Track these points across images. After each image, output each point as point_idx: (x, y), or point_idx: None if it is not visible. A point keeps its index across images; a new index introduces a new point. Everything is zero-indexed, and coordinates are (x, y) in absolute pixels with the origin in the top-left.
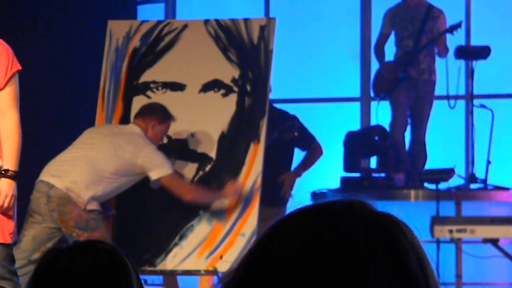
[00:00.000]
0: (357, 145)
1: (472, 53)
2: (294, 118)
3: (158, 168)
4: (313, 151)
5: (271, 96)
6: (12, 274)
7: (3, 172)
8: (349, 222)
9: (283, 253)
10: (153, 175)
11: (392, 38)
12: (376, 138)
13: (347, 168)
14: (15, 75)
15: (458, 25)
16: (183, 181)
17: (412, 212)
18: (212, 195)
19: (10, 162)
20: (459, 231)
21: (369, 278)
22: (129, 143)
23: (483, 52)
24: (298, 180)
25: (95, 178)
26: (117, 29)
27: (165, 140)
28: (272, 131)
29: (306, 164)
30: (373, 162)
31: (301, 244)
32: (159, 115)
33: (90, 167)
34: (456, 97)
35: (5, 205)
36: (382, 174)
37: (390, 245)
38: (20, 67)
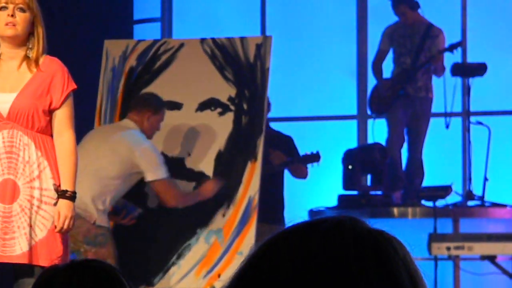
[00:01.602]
0: (357, 163)
1: (468, 70)
2: (290, 139)
3: (154, 170)
4: (301, 170)
5: (270, 114)
6: None
7: (61, 193)
8: (339, 240)
9: (273, 272)
10: (148, 176)
11: (390, 55)
12: (377, 156)
13: (346, 186)
14: (71, 95)
15: (459, 44)
16: (172, 186)
17: (409, 230)
18: (194, 197)
19: (68, 183)
20: (456, 248)
21: None
22: (124, 139)
23: (479, 69)
24: (293, 197)
25: (100, 189)
26: (113, 48)
27: None
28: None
29: (294, 169)
30: (369, 180)
31: (291, 263)
32: (152, 105)
33: (94, 179)
34: (453, 114)
35: (65, 227)
36: (379, 192)
37: (381, 262)
38: (75, 86)
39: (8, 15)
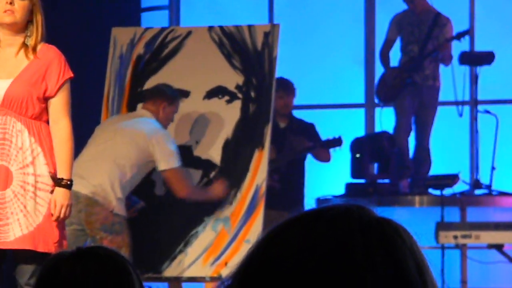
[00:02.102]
0: (365, 151)
1: (476, 59)
2: (312, 126)
3: (167, 159)
4: (323, 153)
5: (296, 102)
6: None
7: (57, 181)
8: (346, 227)
9: (280, 259)
10: (161, 166)
11: (397, 44)
12: (384, 144)
13: (354, 175)
14: (67, 82)
15: (466, 32)
16: (184, 177)
17: (416, 218)
18: (204, 194)
19: (64, 171)
20: (464, 236)
21: (366, 284)
22: (141, 128)
23: (487, 57)
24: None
25: (120, 177)
26: (121, 36)
27: None
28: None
29: (317, 153)
30: (376, 168)
31: (297, 250)
32: (168, 96)
33: (114, 166)
34: (461, 103)
35: (61, 215)
36: (387, 180)
37: (387, 251)
38: (72, 74)
39: (7, 2)
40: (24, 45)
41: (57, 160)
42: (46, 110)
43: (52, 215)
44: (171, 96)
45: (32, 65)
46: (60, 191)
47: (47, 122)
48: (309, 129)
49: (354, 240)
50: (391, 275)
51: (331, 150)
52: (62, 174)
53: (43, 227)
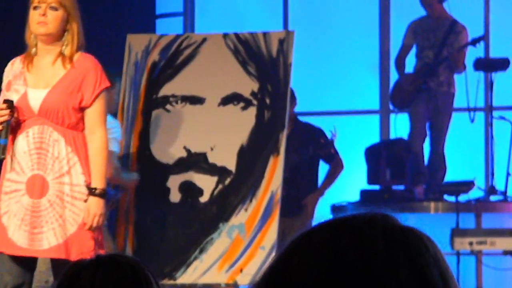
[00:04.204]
0: (382, 157)
1: (491, 65)
2: (321, 131)
3: None
4: (336, 166)
5: (297, 109)
6: None
7: (91, 190)
8: (370, 236)
9: (303, 269)
10: None
11: (413, 50)
12: (400, 150)
13: (371, 181)
14: (103, 92)
15: (481, 38)
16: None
17: (432, 225)
18: (124, 179)
19: (98, 180)
20: (479, 243)
21: None
22: None
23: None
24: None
25: None
26: (136, 43)
27: (185, 154)
28: (305, 146)
29: (329, 181)
30: (391, 174)
31: (321, 260)
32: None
33: None
34: (475, 109)
35: (94, 224)
36: (402, 187)
37: (411, 260)
38: (108, 84)
39: (40, 14)
40: (61, 54)
41: (92, 170)
42: (82, 119)
43: (85, 224)
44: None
45: (69, 75)
46: (93, 200)
47: (83, 131)
48: (315, 134)
49: (378, 248)
50: (415, 283)
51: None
52: (96, 183)
53: (77, 236)
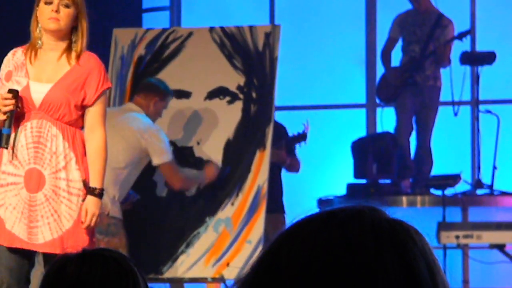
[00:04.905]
0: (368, 151)
1: (477, 59)
2: (284, 128)
3: (160, 155)
4: (294, 163)
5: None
6: None
7: (90, 190)
8: (358, 229)
9: (291, 262)
10: (155, 160)
11: (399, 44)
12: (386, 144)
13: (357, 175)
14: (105, 92)
15: (467, 32)
16: (176, 170)
17: (418, 218)
18: (197, 181)
19: (97, 180)
20: (465, 236)
21: (377, 286)
22: (131, 124)
23: (489, 57)
24: (302, 186)
25: (113, 179)
26: (122, 37)
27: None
28: (278, 139)
29: (290, 165)
30: (377, 168)
31: (309, 253)
32: (161, 91)
33: (107, 168)
34: (462, 103)
35: (92, 224)
36: (388, 181)
37: (399, 253)
38: (110, 85)
39: (53, 10)
40: (67, 50)
41: (91, 169)
42: (82, 117)
43: (82, 222)
44: (163, 91)
45: (73, 72)
46: (91, 200)
47: (82, 128)
48: (277, 130)
49: (365, 241)
50: (402, 276)
51: (301, 159)
52: (94, 183)
53: (72, 231)
